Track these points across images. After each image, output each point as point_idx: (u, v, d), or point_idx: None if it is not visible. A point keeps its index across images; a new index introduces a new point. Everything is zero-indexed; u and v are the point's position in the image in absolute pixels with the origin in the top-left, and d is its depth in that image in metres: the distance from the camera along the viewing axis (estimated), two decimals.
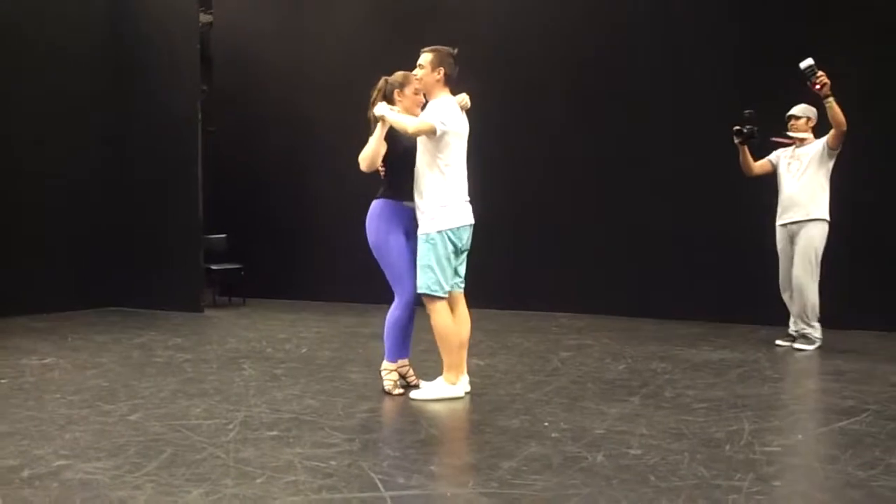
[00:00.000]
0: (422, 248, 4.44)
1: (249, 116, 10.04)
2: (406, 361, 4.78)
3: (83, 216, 8.83)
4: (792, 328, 6.26)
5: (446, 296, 4.45)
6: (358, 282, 9.07)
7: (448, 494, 3.01)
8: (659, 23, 7.85)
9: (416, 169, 4.50)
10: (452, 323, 4.47)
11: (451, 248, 4.43)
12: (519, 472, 3.19)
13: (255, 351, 6.15)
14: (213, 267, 9.21)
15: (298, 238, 9.80)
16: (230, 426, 3.90)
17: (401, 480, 3.10)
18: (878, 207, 6.94)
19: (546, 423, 3.94)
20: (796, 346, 6.09)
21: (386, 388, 4.63)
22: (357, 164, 4.50)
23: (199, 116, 8.66)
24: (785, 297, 6.30)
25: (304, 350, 6.19)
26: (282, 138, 9.87)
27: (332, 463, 3.31)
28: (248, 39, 10.20)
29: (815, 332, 6.10)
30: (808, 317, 6.08)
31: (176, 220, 8.69)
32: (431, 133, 4.33)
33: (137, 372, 5.31)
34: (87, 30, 8.92)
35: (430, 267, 4.40)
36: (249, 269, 9.42)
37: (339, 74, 9.32)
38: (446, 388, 4.49)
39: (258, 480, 3.09)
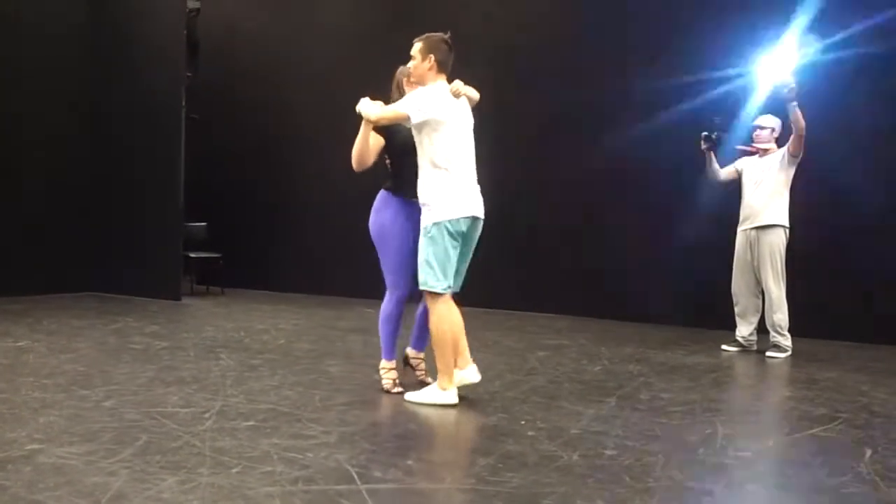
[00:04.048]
0: (421, 242, 4.29)
1: (234, 104, 9.97)
2: (422, 355, 4.75)
3: (62, 200, 8.73)
4: (740, 335, 6.37)
5: (446, 292, 4.27)
6: (338, 275, 9.07)
7: (424, 489, 3.02)
8: (643, 25, 7.91)
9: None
10: (450, 328, 4.26)
11: (449, 240, 4.23)
12: (495, 469, 3.21)
13: (233, 341, 6.13)
14: (192, 255, 9.15)
15: (279, 229, 9.76)
16: (207, 415, 3.88)
17: (377, 474, 3.11)
18: (847, 221, 7.01)
19: (523, 422, 3.96)
20: (768, 354, 6.16)
21: (385, 387, 4.51)
22: (346, 159, 4.45)
23: (184, 102, 8.60)
24: (737, 306, 6.41)
25: (281, 341, 6.17)
26: (266, 127, 9.82)
27: (309, 455, 3.30)
28: (234, 27, 10.14)
29: (786, 340, 6.19)
30: (780, 326, 6.17)
31: (156, 206, 8.62)
32: (404, 120, 4.23)
33: (113, 358, 5.27)
34: (73, 10, 8.81)
35: (427, 262, 4.24)
36: (229, 258, 9.37)
37: (326, 64, 9.29)
38: (438, 395, 4.31)
39: (234, 470, 3.08)
